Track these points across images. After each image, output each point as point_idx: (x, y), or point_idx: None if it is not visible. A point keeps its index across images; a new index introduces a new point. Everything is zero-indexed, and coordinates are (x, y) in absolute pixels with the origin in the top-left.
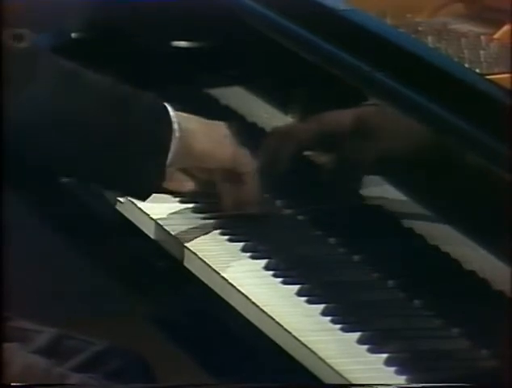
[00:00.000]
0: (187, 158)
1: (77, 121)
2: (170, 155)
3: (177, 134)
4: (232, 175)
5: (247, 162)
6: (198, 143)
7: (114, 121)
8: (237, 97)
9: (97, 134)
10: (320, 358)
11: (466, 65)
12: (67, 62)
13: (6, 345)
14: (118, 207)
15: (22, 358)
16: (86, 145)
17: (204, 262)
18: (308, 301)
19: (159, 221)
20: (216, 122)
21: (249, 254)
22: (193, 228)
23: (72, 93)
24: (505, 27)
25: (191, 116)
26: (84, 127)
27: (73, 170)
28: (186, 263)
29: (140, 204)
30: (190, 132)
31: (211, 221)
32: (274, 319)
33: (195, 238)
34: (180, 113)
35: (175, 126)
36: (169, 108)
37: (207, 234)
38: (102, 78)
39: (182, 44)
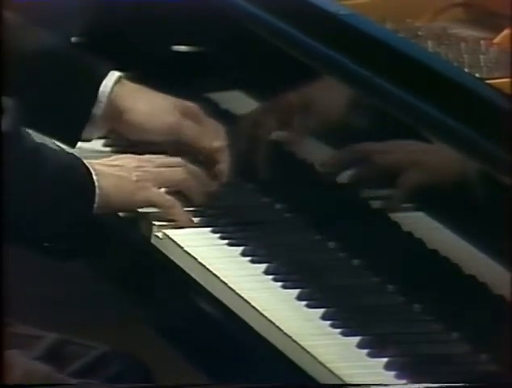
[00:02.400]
0: (106, 209)
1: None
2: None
3: (97, 191)
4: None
5: (160, 200)
6: (113, 197)
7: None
8: (237, 101)
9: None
10: (320, 362)
11: (466, 70)
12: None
13: (7, 351)
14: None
15: (23, 364)
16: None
17: (204, 266)
18: (308, 306)
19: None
20: (128, 166)
21: (248, 258)
22: (192, 232)
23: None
24: (505, 32)
25: (106, 171)
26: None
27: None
28: (185, 268)
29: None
30: (105, 188)
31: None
32: (274, 323)
33: (195, 242)
34: (98, 169)
35: (96, 184)
36: (90, 168)
37: (206, 238)
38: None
39: (182, 48)
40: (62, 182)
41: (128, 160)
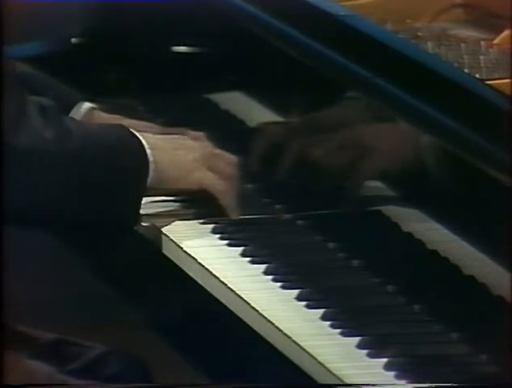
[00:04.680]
0: (159, 185)
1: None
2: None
3: (152, 166)
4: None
5: (214, 183)
6: (167, 172)
7: (106, 168)
8: (237, 102)
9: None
10: (319, 362)
11: (466, 71)
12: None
13: (8, 351)
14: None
15: (23, 364)
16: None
17: (203, 266)
18: (308, 306)
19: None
20: (186, 145)
21: (248, 258)
22: (192, 232)
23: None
24: (505, 33)
25: (162, 145)
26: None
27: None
28: (185, 268)
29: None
30: (160, 163)
31: (211, 225)
32: (273, 324)
33: (195, 242)
34: (152, 142)
35: (150, 158)
36: (142, 141)
37: (206, 238)
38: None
39: (183, 49)
40: (114, 161)
41: (186, 141)
